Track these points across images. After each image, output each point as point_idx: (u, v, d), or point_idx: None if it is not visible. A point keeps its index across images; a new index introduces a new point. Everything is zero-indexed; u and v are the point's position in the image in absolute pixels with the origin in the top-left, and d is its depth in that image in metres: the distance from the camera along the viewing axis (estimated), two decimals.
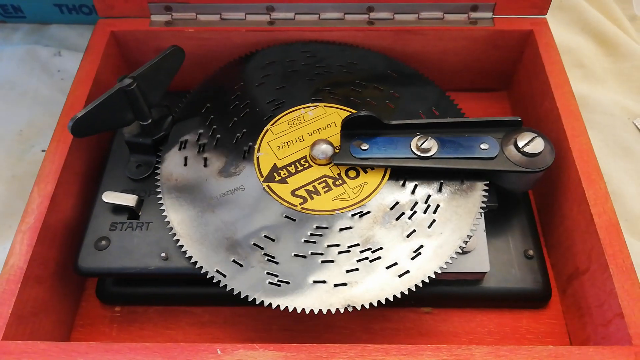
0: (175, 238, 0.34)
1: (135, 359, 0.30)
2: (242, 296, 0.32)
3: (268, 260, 0.33)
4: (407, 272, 0.33)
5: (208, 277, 0.33)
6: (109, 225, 0.37)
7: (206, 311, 0.40)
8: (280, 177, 0.36)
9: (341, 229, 0.34)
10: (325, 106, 0.40)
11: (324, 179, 0.37)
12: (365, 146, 0.37)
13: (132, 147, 0.39)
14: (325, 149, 0.37)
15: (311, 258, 0.33)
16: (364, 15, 0.46)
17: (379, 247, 0.34)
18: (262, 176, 0.36)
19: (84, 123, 0.34)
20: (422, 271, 0.33)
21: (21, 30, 0.59)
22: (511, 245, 0.40)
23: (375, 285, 0.32)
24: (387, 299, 0.32)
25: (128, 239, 0.36)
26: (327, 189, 0.36)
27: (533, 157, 0.36)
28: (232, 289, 0.32)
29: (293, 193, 0.36)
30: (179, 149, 0.38)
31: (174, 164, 0.37)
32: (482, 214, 0.36)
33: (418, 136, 0.37)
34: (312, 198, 0.36)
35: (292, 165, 0.37)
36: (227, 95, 0.41)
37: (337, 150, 0.37)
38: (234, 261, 0.33)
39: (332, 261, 0.33)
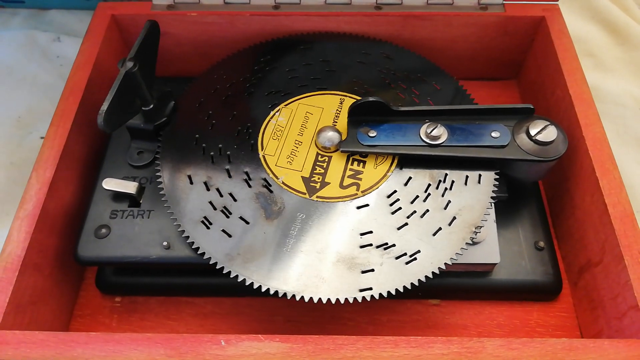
0: (299, 298, 0.31)
1: (136, 350, 0.29)
2: (403, 290, 0.31)
3: (385, 249, 0.33)
4: (480, 175, 0.35)
5: (361, 301, 0.31)
6: (110, 213, 0.36)
7: (208, 302, 0.39)
8: (319, 183, 0.35)
9: (405, 184, 0.35)
10: (285, 105, 0.39)
11: (351, 159, 0.36)
12: (372, 133, 0.36)
13: (133, 133, 0.38)
14: (331, 136, 0.36)
15: (412, 220, 0.34)
16: None
17: (444, 175, 0.35)
18: (305, 193, 0.35)
19: (111, 115, 0.33)
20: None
21: (20, 15, 0.58)
22: (521, 236, 0.39)
23: (473, 202, 0.34)
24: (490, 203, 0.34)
25: (129, 227, 0.35)
26: (361, 164, 0.36)
27: (545, 145, 0.35)
28: (389, 292, 0.31)
29: (342, 187, 0.35)
30: (207, 228, 0.34)
31: (220, 244, 0.33)
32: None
33: (427, 123, 0.36)
34: (360, 180, 0.35)
35: (316, 167, 0.36)
36: (195, 154, 0.37)
37: (342, 138, 0.36)
38: (362, 272, 0.32)
39: (427, 210, 0.34)
